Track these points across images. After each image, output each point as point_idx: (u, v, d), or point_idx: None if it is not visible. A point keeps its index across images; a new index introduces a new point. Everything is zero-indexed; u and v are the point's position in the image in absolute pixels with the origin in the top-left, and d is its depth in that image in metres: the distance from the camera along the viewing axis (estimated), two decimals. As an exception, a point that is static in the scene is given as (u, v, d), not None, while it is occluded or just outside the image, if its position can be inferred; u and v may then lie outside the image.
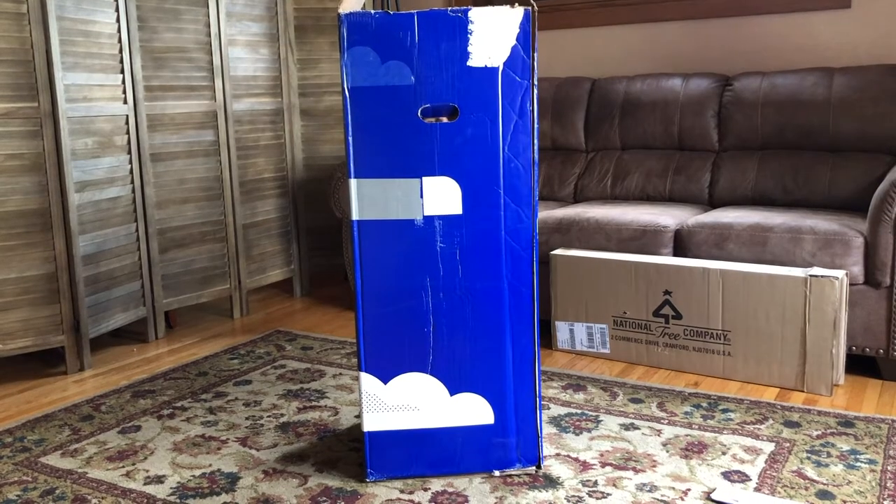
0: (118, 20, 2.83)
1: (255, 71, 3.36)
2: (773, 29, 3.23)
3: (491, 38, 1.66)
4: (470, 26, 1.65)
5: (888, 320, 2.37)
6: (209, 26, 3.13)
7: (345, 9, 1.69)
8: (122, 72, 2.86)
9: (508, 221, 1.75)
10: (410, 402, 1.82)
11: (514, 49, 1.66)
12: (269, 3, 3.39)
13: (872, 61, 2.99)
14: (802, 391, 2.36)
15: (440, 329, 1.79)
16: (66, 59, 2.63)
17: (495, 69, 1.66)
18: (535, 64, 1.67)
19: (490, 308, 1.77)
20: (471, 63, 1.66)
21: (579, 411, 2.25)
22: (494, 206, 1.74)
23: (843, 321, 2.32)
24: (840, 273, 2.31)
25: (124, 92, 2.87)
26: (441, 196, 1.73)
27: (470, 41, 1.65)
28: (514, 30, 1.66)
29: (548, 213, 2.91)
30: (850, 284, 2.38)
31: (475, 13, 1.65)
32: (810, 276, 2.31)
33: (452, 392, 1.81)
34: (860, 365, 2.49)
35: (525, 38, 1.66)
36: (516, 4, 1.67)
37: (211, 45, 3.14)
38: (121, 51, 2.85)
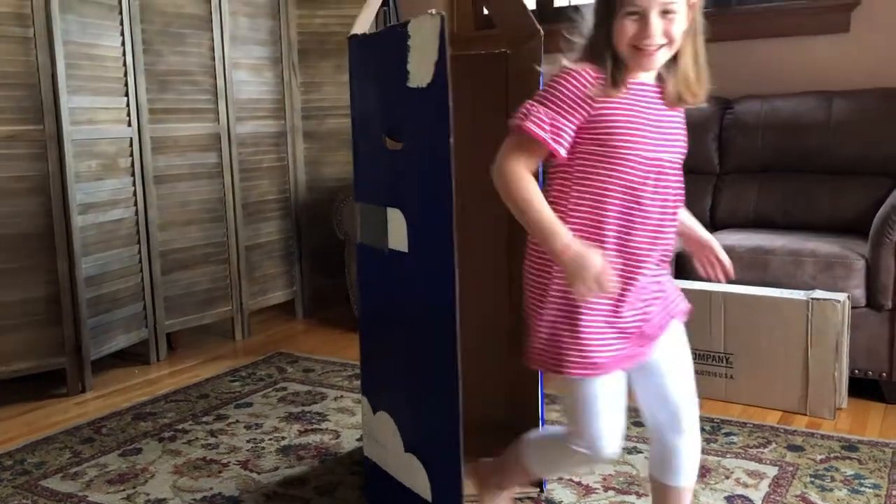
0: (123, 44, 2.85)
1: (259, 94, 3.39)
2: (773, 53, 3.25)
3: (421, 55, 1.40)
4: (408, 42, 1.43)
5: (891, 343, 2.37)
6: (213, 50, 3.15)
7: (356, 30, 1.68)
8: (127, 95, 2.88)
9: (432, 260, 1.46)
10: (382, 439, 1.72)
11: (436, 65, 1.37)
12: (273, 27, 3.43)
13: (871, 85, 3.01)
14: (805, 414, 2.35)
15: (403, 370, 1.63)
16: (72, 83, 2.65)
17: (425, 91, 1.40)
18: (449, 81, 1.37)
19: (443, 352, 1.45)
20: (410, 83, 1.44)
21: (581, 434, 2.24)
22: (431, 242, 1.45)
23: (845, 344, 2.32)
24: (842, 296, 2.31)
25: (129, 114, 2.89)
26: (397, 229, 1.53)
27: (409, 59, 1.43)
28: (435, 42, 1.35)
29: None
30: (852, 307, 2.37)
31: (412, 25, 1.41)
32: (812, 299, 2.31)
33: (407, 447, 1.62)
34: (863, 388, 2.48)
35: (443, 53, 1.35)
36: (433, 11, 1.36)
37: (215, 69, 3.16)
38: (125, 74, 2.87)
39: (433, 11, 1.35)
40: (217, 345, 3.31)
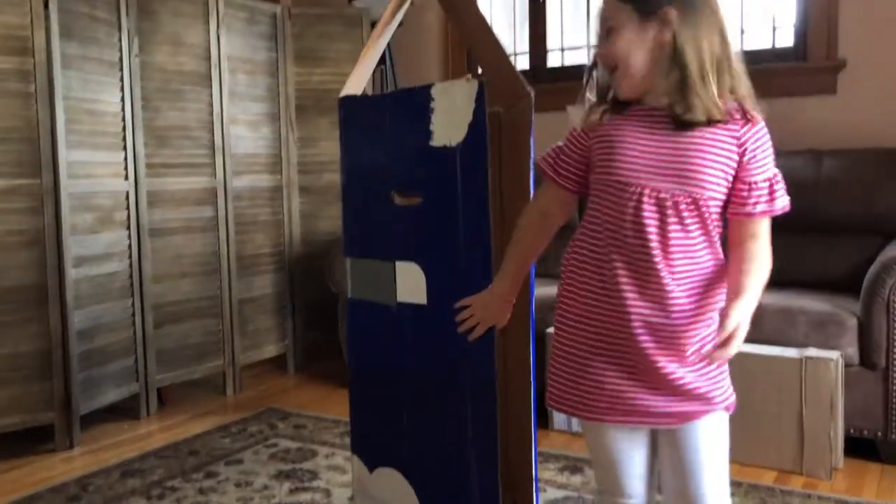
0: (123, 100, 2.89)
1: (256, 149, 3.42)
2: (763, 113, 3.30)
3: (449, 116, 1.52)
4: (432, 104, 1.54)
5: (885, 402, 2.36)
6: (212, 106, 3.20)
7: (345, 93, 1.72)
8: (125, 149, 2.91)
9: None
10: (386, 497, 1.71)
11: (471, 127, 1.49)
12: (272, 84, 3.48)
13: (859, 145, 3.06)
14: (801, 474, 2.32)
15: (409, 424, 1.64)
16: (71, 137, 2.68)
17: (453, 150, 1.52)
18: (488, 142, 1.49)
19: (453, 404, 1.55)
20: (433, 143, 1.55)
21: (576, 494, 2.22)
22: (456, 295, 1.53)
23: (840, 403, 2.31)
24: (835, 354, 2.31)
25: (126, 169, 2.92)
26: (411, 283, 1.59)
27: (431, 120, 1.54)
28: (470, 105, 1.49)
29: (543, 290, 2.92)
30: (846, 366, 2.37)
31: (437, 89, 1.54)
32: (805, 357, 2.31)
33: (422, 498, 1.66)
34: (859, 448, 2.46)
35: (480, 115, 1.49)
36: (470, 76, 1.51)
37: (213, 124, 3.20)
38: (124, 129, 2.90)
39: (469, 77, 1.48)
40: (208, 399, 3.28)
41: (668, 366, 1.24)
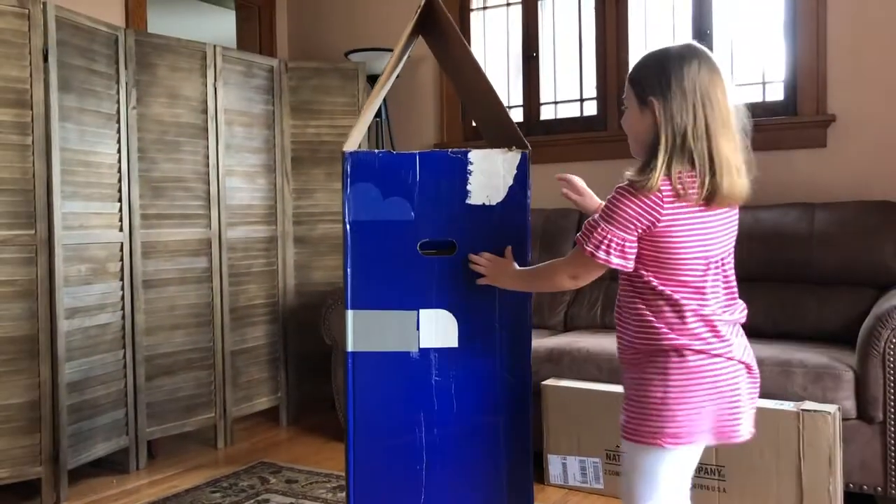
0: (119, 151, 2.91)
1: (252, 200, 3.43)
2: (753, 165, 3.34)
3: (489, 179, 1.72)
4: (469, 167, 1.72)
5: (884, 457, 2.34)
6: (208, 157, 3.21)
7: (349, 147, 1.75)
8: (120, 200, 2.91)
9: (504, 354, 1.74)
10: None
11: (510, 189, 1.73)
12: (268, 136, 3.51)
13: (850, 197, 3.09)
14: (802, 531, 2.29)
15: (433, 466, 1.74)
16: (66, 189, 2.68)
17: (493, 207, 1.72)
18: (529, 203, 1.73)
19: (486, 444, 1.74)
20: (469, 201, 1.73)
21: (573, 551, 2.18)
22: (490, 338, 1.73)
23: (838, 457, 2.29)
24: (832, 408, 2.30)
25: (121, 220, 2.92)
26: (438, 328, 1.73)
27: (469, 181, 1.72)
28: (512, 171, 1.73)
29: (538, 343, 2.91)
30: (844, 419, 2.36)
31: (474, 155, 1.73)
32: (802, 410, 2.29)
33: None
34: (858, 503, 2.43)
35: (522, 179, 1.72)
36: (514, 148, 1.73)
37: (209, 175, 3.22)
38: (120, 180, 2.91)
39: (514, 148, 1.72)
40: (198, 453, 3.23)
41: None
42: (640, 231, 1.42)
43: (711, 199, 1.41)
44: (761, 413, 2.33)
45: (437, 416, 1.73)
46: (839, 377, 2.38)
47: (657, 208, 1.40)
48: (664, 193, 1.39)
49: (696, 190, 1.40)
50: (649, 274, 1.45)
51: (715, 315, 1.45)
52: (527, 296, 1.74)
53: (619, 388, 2.62)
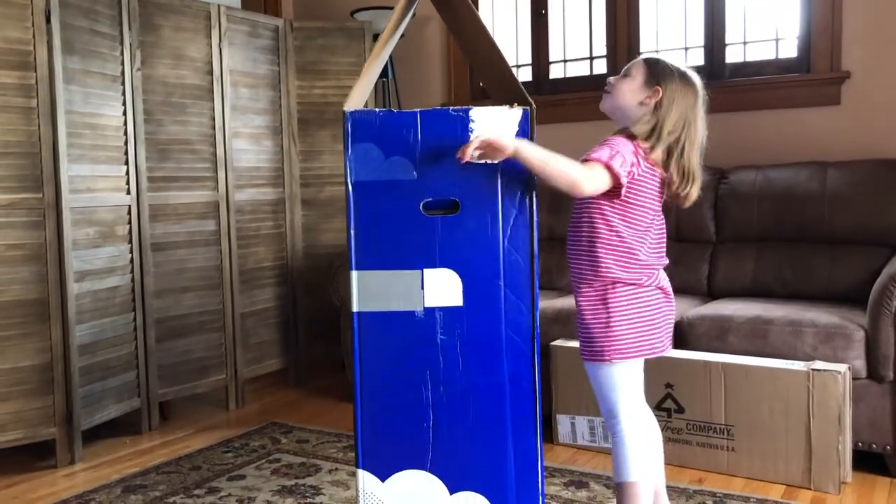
0: (125, 114, 2.89)
1: (258, 162, 3.42)
2: (765, 124, 3.30)
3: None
4: (471, 125, 1.69)
5: (893, 416, 2.34)
6: (214, 119, 3.19)
7: (349, 106, 1.73)
8: (127, 163, 2.90)
9: (509, 314, 1.73)
10: (409, 500, 1.77)
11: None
12: (273, 97, 3.48)
13: (863, 156, 3.05)
14: (809, 489, 2.30)
15: (440, 424, 1.75)
16: (73, 152, 2.67)
17: (496, 166, 1.69)
18: None
19: (491, 402, 1.74)
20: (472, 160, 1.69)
21: (582, 510, 2.20)
22: (495, 298, 1.73)
23: (847, 416, 2.29)
24: (843, 367, 2.29)
25: (128, 183, 2.91)
26: (442, 288, 1.73)
27: (471, 139, 1.68)
28: (514, 128, 1.70)
29: (547, 303, 2.91)
30: (854, 378, 2.35)
31: (476, 112, 1.69)
32: (812, 370, 2.29)
33: (452, 490, 1.76)
34: (867, 462, 2.44)
35: (524, 137, 1.69)
36: (515, 105, 1.69)
37: (215, 138, 3.20)
38: (126, 143, 2.90)
39: (516, 105, 1.67)
40: (210, 414, 3.26)
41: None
42: (629, 168, 1.73)
43: (668, 169, 1.78)
44: (771, 372, 2.33)
45: (442, 374, 1.74)
46: (850, 337, 2.37)
47: (642, 158, 1.76)
48: (645, 152, 1.77)
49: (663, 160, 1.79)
50: (614, 214, 1.78)
51: (650, 259, 1.82)
52: (532, 255, 1.73)
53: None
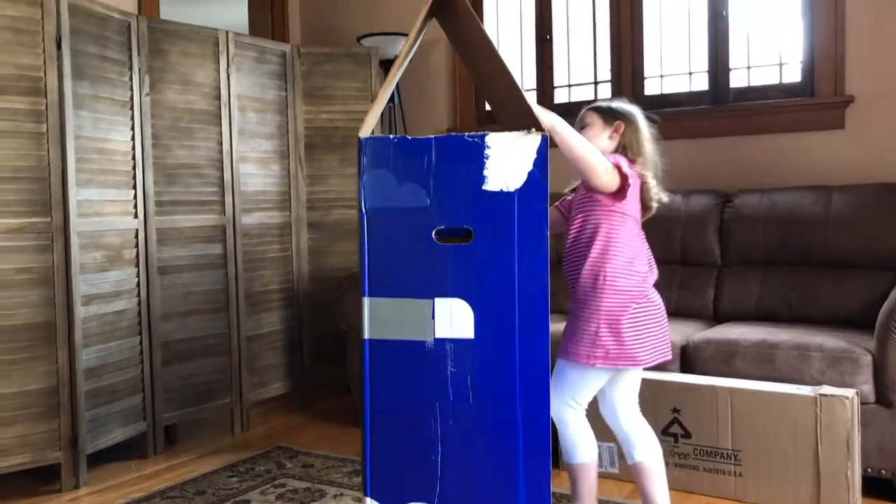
0: (133, 138, 2.91)
1: (265, 186, 3.43)
2: (770, 148, 3.31)
3: (507, 164, 1.67)
4: (486, 151, 1.66)
5: (902, 441, 2.33)
6: (221, 144, 3.22)
7: (364, 133, 1.73)
8: (135, 187, 2.92)
9: (523, 349, 1.69)
10: None
11: (530, 174, 1.66)
12: (281, 121, 3.50)
13: (868, 180, 3.06)
14: (819, 515, 2.28)
15: (449, 459, 1.72)
16: (81, 176, 2.69)
17: (511, 194, 1.66)
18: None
19: (503, 440, 1.70)
20: (486, 187, 1.67)
21: (589, 536, 2.18)
22: (508, 332, 1.69)
23: (856, 442, 2.28)
24: (850, 392, 2.28)
25: (135, 207, 2.93)
26: (453, 318, 1.70)
27: (486, 166, 1.66)
28: (532, 155, 1.66)
29: (556, 328, 2.90)
30: (862, 403, 2.34)
31: (491, 139, 1.66)
32: (820, 394, 2.28)
33: None
34: (877, 488, 2.42)
35: (541, 164, 1.66)
36: (533, 130, 1.65)
37: (222, 162, 3.22)
38: (134, 167, 2.92)
39: (533, 130, 1.64)
40: (216, 438, 3.25)
41: None
42: (632, 172, 1.98)
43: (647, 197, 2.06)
44: (778, 397, 2.33)
45: (452, 407, 1.70)
46: (857, 361, 2.37)
47: (635, 171, 2.02)
48: (634, 166, 2.04)
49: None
50: (616, 224, 2.00)
51: (645, 269, 2.04)
52: (545, 287, 1.69)
53: (634, 373, 2.61)
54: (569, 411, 2.06)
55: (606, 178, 1.94)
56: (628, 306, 1.99)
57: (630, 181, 1.97)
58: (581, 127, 2.10)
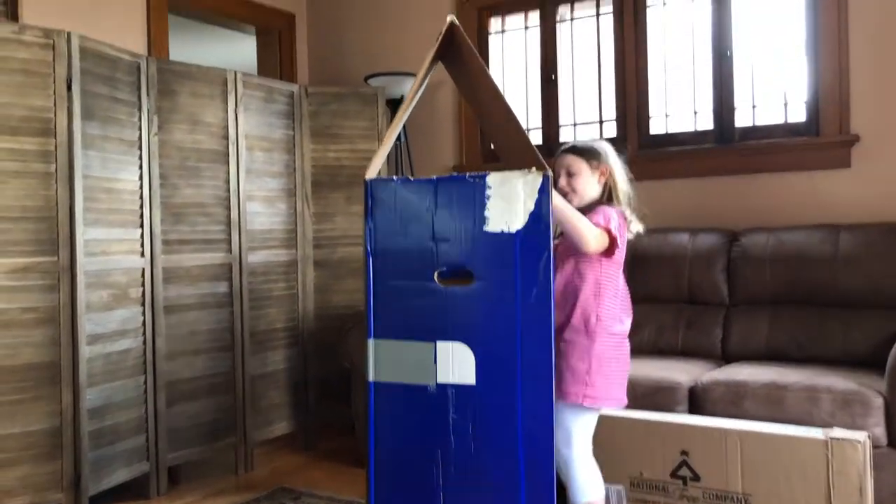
0: (141, 178, 2.93)
1: (272, 224, 3.44)
2: (776, 186, 3.31)
3: (508, 204, 1.62)
4: (487, 191, 1.63)
5: (916, 485, 2.29)
6: (228, 182, 3.23)
7: (370, 174, 1.73)
8: (142, 226, 2.93)
9: (526, 397, 1.63)
10: None
11: (532, 215, 1.61)
12: (288, 160, 3.52)
13: (874, 219, 3.05)
14: (832, 562, 2.23)
15: (463, 497, 1.66)
16: (88, 216, 2.70)
17: (513, 235, 1.62)
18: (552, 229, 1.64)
19: (505, 491, 1.63)
20: (488, 228, 1.63)
21: (597, 583, 2.13)
22: (510, 378, 1.63)
23: (869, 486, 2.23)
24: (862, 435, 2.25)
25: (142, 245, 2.94)
26: (455, 363, 1.66)
27: (487, 206, 1.63)
28: (533, 195, 1.62)
29: (559, 368, 2.88)
30: (874, 447, 2.31)
31: (492, 178, 1.63)
32: (831, 437, 2.25)
33: None
34: (890, 532, 2.37)
35: (544, 204, 1.61)
36: (534, 169, 1.62)
37: (229, 200, 3.23)
38: (141, 206, 2.93)
39: (534, 169, 1.60)
40: (219, 478, 3.22)
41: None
42: (622, 232, 2.08)
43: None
44: (789, 440, 2.29)
45: (453, 456, 1.64)
46: (868, 403, 2.34)
47: (624, 221, 2.13)
48: (624, 215, 2.15)
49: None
50: (604, 271, 2.09)
51: (625, 312, 2.16)
52: (548, 332, 1.64)
53: (641, 415, 2.59)
54: (573, 451, 2.09)
55: (596, 244, 2.02)
56: (618, 347, 2.12)
57: (619, 242, 2.06)
58: (568, 174, 2.17)
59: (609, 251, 2.07)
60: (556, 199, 1.92)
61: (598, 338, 2.08)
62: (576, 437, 2.10)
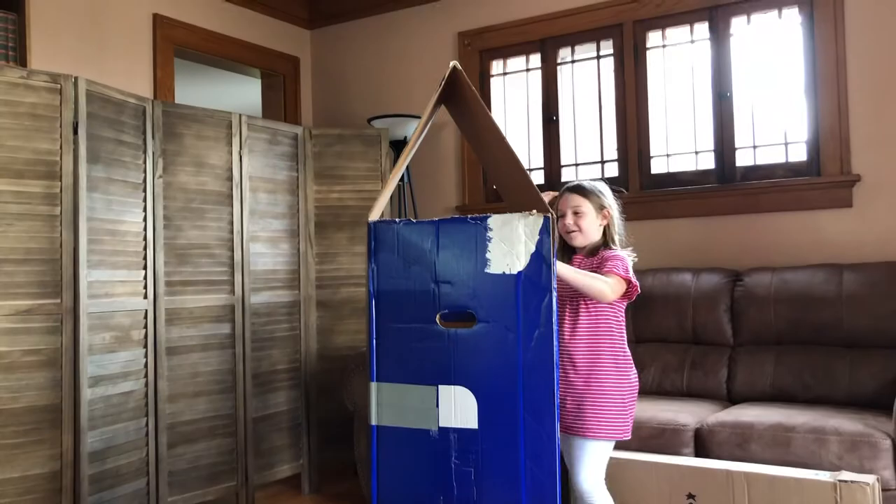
0: (145, 220, 2.95)
1: (275, 265, 3.45)
2: (778, 226, 3.31)
3: (509, 246, 1.62)
4: (488, 233, 1.63)
5: (927, 529, 2.25)
6: (232, 224, 3.25)
7: (373, 217, 1.74)
8: (146, 268, 2.94)
9: (528, 442, 1.60)
10: None
11: (533, 256, 1.61)
12: (292, 201, 3.54)
13: (877, 258, 3.04)
14: None
15: None
16: (92, 257, 2.71)
17: (514, 276, 1.61)
18: (555, 270, 1.62)
19: None
20: (489, 270, 1.63)
21: None
22: (512, 423, 1.61)
23: (879, 530, 2.20)
24: (871, 478, 2.22)
25: (146, 287, 2.94)
26: (457, 406, 1.65)
27: (488, 248, 1.63)
28: (534, 236, 1.62)
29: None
30: (883, 490, 2.27)
31: (493, 220, 1.63)
32: (839, 480, 2.22)
33: None
34: (903, 578, 2.33)
35: (545, 245, 1.61)
36: (535, 211, 1.63)
37: (233, 242, 3.24)
38: (145, 248, 2.94)
39: (535, 212, 1.61)
40: (219, 522, 3.18)
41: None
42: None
43: None
44: (797, 483, 2.26)
45: (456, 502, 1.63)
46: (876, 445, 2.31)
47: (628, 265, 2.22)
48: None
49: None
50: (612, 310, 2.20)
51: (627, 348, 2.27)
52: (552, 377, 1.62)
53: (647, 457, 2.56)
54: (591, 484, 2.17)
55: (614, 294, 2.14)
56: (632, 384, 2.22)
57: (637, 287, 2.18)
58: (575, 213, 2.26)
59: (628, 293, 2.18)
60: (560, 267, 2.00)
61: (618, 375, 2.18)
62: (592, 470, 2.17)
